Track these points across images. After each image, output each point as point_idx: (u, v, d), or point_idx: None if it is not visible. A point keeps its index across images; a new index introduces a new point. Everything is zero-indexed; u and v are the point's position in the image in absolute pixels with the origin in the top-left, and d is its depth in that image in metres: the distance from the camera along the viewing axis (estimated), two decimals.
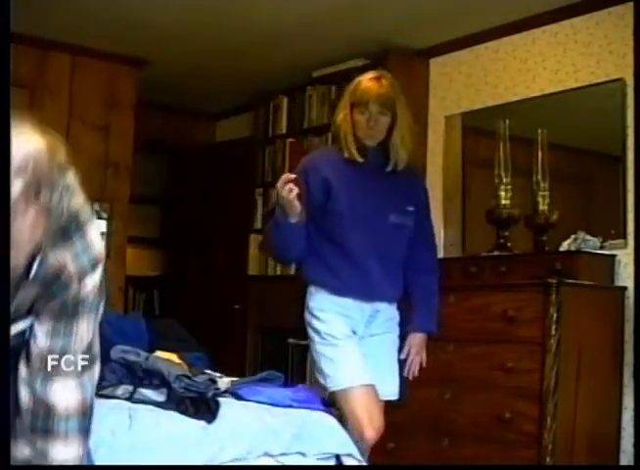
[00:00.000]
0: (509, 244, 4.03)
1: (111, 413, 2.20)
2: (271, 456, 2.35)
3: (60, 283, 1.42)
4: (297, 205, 2.57)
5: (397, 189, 2.79)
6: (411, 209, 2.80)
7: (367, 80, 2.76)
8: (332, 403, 2.68)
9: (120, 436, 2.14)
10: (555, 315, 3.43)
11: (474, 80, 4.63)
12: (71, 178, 1.35)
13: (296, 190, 2.53)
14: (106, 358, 2.45)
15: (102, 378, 2.39)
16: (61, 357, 1.47)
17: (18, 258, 1.28)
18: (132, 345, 2.60)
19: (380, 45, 4.67)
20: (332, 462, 2.49)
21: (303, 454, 2.42)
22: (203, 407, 2.35)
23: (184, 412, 2.32)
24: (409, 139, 2.78)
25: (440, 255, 3.76)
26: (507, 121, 4.16)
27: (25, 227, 1.23)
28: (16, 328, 1.45)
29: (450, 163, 4.69)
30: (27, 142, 1.22)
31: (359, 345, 2.74)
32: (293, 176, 2.56)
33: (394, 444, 3.75)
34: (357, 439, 2.58)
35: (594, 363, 3.59)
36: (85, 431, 1.52)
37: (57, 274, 1.41)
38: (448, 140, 4.73)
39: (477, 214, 4.32)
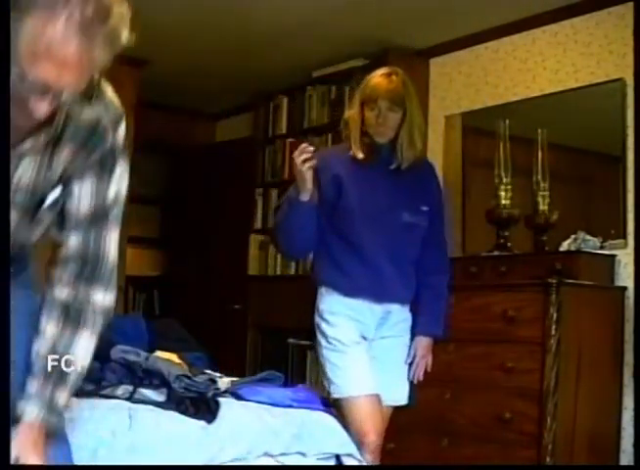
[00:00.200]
0: (509, 244, 4.03)
1: (111, 413, 2.20)
2: (271, 456, 2.35)
3: (97, 135, 1.54)
4: (309, 178, 2.52)
5: (411, 188, 2.72)
6: (425, 208, 2.73)
7: (377, 77, 2.70)
8: (336, 407, 2.66)
9: (120, 436, 2.14)
10: (555, 315, 3.43)
11: (474, 80, 4.63)
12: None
13: (310, 163, 2.49)
14: (106, 358, 2.45)
15: (102, 378, 2.40)
16: (109, 210, 1.62)
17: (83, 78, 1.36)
18: (132, 345, 2.60)
19: (380, 45, 4.67)
20: (332, 462, 2.49)
21: (303, 454, 2.42)
22: (203, 407, 2.35)
23: (184, 412, 2.32)
24: (418, 138, 2.70)
25: None
26: (507, 121, 4.16)
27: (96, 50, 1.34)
28: (54, 195, 1.54)
29: (450, 163, 4.69)
30: None
31: (369, 349, 2.68)
32: (311, 148, 2.51)
33: (394, 444, 3.74)
34: (358, 446, 2.56)
35: (594, 363, 3.59)
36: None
37: (93, 128, 1.52)
38: (448, 140, 4.73)
39: (477, 214, 4.32)
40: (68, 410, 1.67)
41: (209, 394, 2.42)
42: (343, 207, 2.66)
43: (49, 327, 1.58)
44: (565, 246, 3.86)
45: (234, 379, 2.73)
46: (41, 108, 1.33)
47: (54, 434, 1.58)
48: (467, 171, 4.64)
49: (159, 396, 2.40)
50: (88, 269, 1.60)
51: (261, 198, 5.65)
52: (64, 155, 1.51)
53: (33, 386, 1.55)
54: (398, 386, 2.75)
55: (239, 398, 2.52)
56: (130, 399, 2.33)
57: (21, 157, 1.46)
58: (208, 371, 2.65)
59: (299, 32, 4.68)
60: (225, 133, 6.51)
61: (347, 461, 2.50)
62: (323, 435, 2.48)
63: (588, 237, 3.84)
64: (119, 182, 1.65)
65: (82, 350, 1.59)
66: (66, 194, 1.57)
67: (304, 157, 2.49)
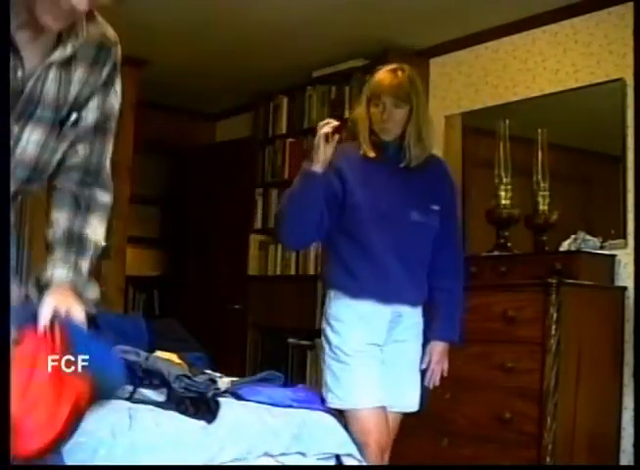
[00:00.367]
0: (509, 244, 4.03)
1: (111, 413, 2.19)
2: (271, 456, 2.35)
3: (105, 50, 1.73)
4: (326, 147, 2.45)
5: (421, 186, 2.65)
6: (436, 208, 2.65)
7: (383, 72, 2.63)
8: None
9: (120, 436, 2.14)
10: (555, 315, 3.43)
11: (474, 80, 4.64)
12: None
13: (330, 131, 2.43)
14: None
15: None
16: (108, 122, 1.83)
17: None
18: (132, 345, 2.60)
19: (380, 45, 4.67)
20: (332, 462, 2.49)
21: (303, 454, 2.41)
22: (203, 407, 2.35)
23: (184, 412, 2.32)
24: (426, 135, 2.62)
25: None
26: (507, 121, 4.16)
27: None
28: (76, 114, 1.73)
29: (450, 163, 4.64)
30: None
31: (380, 354, 2.61)
32: (336, 123, 2.45)
33: (394, 443, 3.74)
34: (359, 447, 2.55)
35: (594, 363, 3.59)
36: None
37: (100, 44, 1.72)
38: (448, 140, 4.73)
39: (477, 214, 4.32)
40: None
41: (209, 394, 2.42)
42: (350, 204, 2.60)
43: (62, 215, 1.79)
44: (565, 246, 3.86)
45: (234, 379, 2.73)
46: (81, 3, 1.52)
47: (81, 295, 1.75)
48: (467, 171, 4.63)
49: (159, 396, 2.40)
50: (91, 177, 1.82)
51: (261, 198, 5.65)
52: (78, 73, 1.69)
53: (58, 253, 1.75)
54: (410, 392, 2.68)
55: (239, 398, 2.52)
56: (130, 398, 2.33)
57: (48, 69, 1.62)
58: (208, 371, 2.65)
59: (299, 32, 4.68)
60: (225, 133, 6.51)
61: (347, 461, 2.50)
62: (323, 435, 2.48)
63: (588, 237, 3.84)
64: (118, 96, 1.84)
65: (95, 229, 1.82)
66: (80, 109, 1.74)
67: (326, 130, 2.44)
